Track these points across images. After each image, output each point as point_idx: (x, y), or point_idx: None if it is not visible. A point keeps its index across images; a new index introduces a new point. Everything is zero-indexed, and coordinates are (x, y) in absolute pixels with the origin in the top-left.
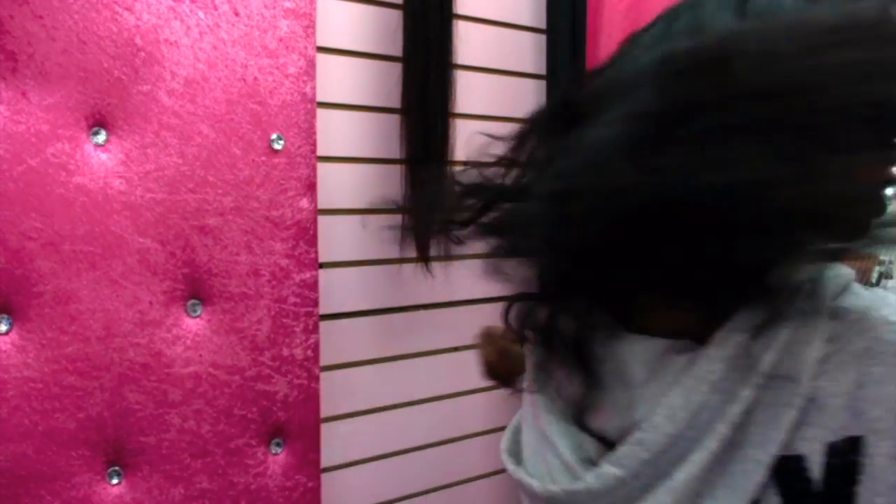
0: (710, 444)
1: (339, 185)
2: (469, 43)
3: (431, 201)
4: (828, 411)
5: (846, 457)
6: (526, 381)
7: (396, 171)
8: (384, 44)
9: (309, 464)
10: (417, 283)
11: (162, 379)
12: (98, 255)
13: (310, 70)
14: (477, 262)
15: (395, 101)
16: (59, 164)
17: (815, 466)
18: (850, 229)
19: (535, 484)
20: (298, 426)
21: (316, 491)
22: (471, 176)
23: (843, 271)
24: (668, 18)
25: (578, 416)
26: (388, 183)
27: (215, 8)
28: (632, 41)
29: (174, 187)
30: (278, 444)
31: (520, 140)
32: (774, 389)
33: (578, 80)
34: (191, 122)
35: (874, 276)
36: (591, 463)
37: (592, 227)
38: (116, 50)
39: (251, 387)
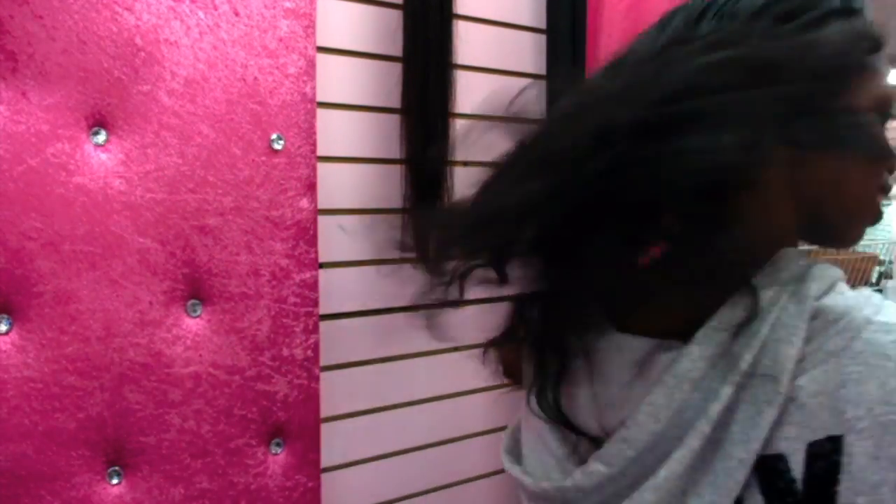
0: (693, 443)
1: (339, 185)
2: (469, 43)
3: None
4: (808, 410)
5: (827, 456)
6: (524, 380)
7: (396, 171)
8: (384, 44)
9: (309, 464)
10: (417, 283)
11: (162, 379)
12: (98, 255)
13: (310, 70)
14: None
15: (395, 101)
16: (59, 164)
17: (797, 465)
18: (845, 237)
19: (528, 481)
20: (298, 426)
21: (316, 491)
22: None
23: (829, 271)
24: (662, 23)
25: (568, 414)
26: (388, 183)
27: (215, 8)
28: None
29: (174, 187)
30: (278, 444)
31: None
32: (754, 388)
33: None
34: (191, 122)
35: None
36: (584, 461)
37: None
38: (116, 50)
39: (251, 387)
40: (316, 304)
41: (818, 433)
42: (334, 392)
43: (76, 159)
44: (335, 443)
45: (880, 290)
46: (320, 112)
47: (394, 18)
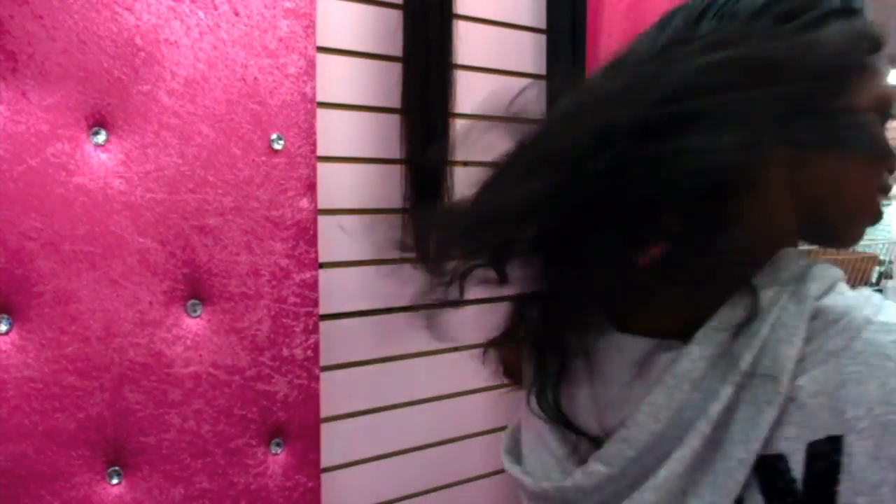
0: (693, 443)
1: (339, 185)
2: (469, 43)
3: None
4: (808, 410)
5: (827, 456)
6: (525, 380)
7: (396, 171)
8: (384, 44)
9: (309, 464)
10: (417, 283)
11: (162, 379)
12: (98, 255)
13: (310, 70)
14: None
15: (395, 101)
16: (59, 164)
17: (797, 465)
18: (845, 237)
19: (528, 481)
20: (298, 426)
21: (316, 491)
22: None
23: (829, 271)
24: (662, 23)
25: (568, 414)
26: (388, 183)
27: (215, 8)
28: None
29: (174, 187)
30: (278, 444)
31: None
32: (754, 388)
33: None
34: (191, 122)
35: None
36: (584, 460)
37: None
38: (116, 50)
39: (251, 387)
40: (316, 304)
41: (818, 433)
42: (334, 392)
43: (76, 159)
44: (335, 443)
45: (880, 290)
46: (320, 112)
47: (394, 18)
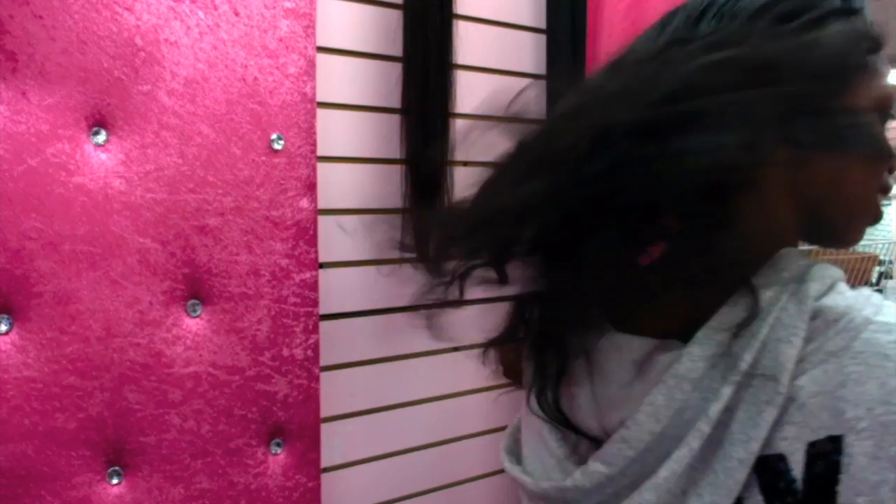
0: (693, 442)
1: (339, 185)
2: (469, 43)
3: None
4: (808, 410)
5: (827, 456)
6: (525, 380)
7: (396, 171)
8: (384, 44)
9: (309, 464)
10: (417, 284)
11: (162, 379)
12: (98, 255)
13: (310, 70)
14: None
15: (395, 101)
16: (59, 164)
17: (797, 465)
18: (845, 237)
19: (528, 481)
20: (298, 426)
21: (316, 491)
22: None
23: (829, 271)
24: (662, 23)
25: (568, 414)
26: (388, 183)
27: (215, 8)
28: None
29: (174, 187)
30: (278, 444)
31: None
32: (754, 388)
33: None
34: (191, 122)
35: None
36: (584, 461)
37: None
38: (116, 50)
39: (251, 387)
40: (316, 304)
41: (818, 433)
42: (334, 392)
43: (76, 159)
44: (335, 443)
45: (880, 290)
46: (320, 112)
47: (394, 18)
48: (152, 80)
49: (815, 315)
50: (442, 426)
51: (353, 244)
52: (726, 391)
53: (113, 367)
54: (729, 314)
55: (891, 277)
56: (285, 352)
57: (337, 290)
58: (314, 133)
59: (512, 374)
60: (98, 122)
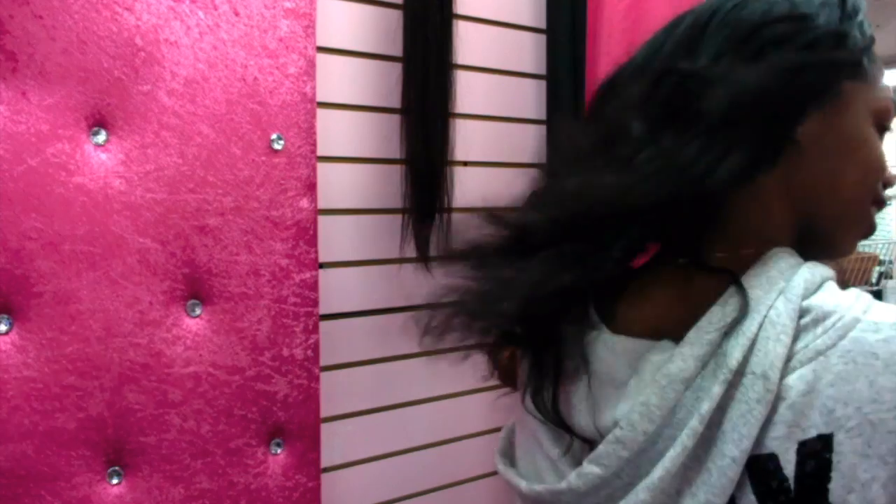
0: (686, 442)
1: (339, 185)
2: (469, 43)
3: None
4: (797, 409)
5: (817, 455)
6: (520, 381)
7: (396, 171)
8: (384, 44)
9: (309, 464)
10: (417, 283)
11: (162, 379)
12: (98, 255)
13: (310, 70)
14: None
15: (395, 101)
16: (59, 164)
17: (788, 465)
18: (838, 246)
19: (521, 484)
20: (298, 426)
21: (316, 491)
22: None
23: (818, 270)
24: (672, 25)
25: (563, 416)
26: (388, 183)
27: (215, 8)
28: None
29: (174, 187)
30: (278, 444)
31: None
32: (745, 386)
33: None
34: (191, 122)
35: (874, 276)
36: (578, 462)
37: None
38: (116, 50)
39: (251, 387)
40: (316, 304)
41: (808, 432)
42: (334, 392)
43: (76, 159)
44: (335, 443)
45: (880, 290)
46: (320, 112)
47: (394, 18)
48: (152, 80)
49: (804, 313)
50: (442, 426)
51: (353, 244)
52: (717, 390)
53: (113, 367)
54: (719, 313)
55: (891, 277)
56: (285, 352)
57: (337, 290)
58: (314, 133)
59: (506, 378)
60: (98, 122)
